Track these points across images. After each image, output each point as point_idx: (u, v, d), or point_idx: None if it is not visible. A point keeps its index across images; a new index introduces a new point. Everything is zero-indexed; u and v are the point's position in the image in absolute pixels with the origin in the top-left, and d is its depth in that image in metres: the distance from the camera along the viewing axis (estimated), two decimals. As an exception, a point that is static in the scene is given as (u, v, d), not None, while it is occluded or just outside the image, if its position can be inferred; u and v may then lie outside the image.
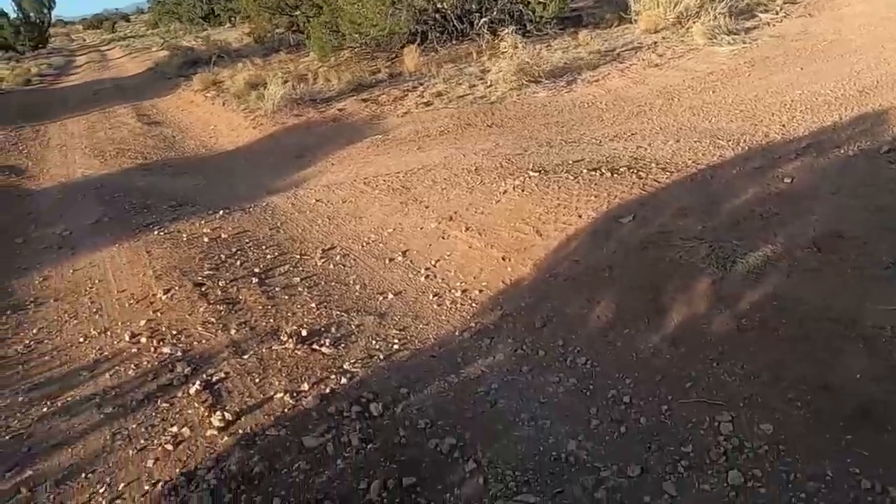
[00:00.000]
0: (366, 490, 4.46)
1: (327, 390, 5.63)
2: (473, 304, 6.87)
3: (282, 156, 13.99)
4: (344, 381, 5.75)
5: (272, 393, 5.69)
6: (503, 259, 7.51)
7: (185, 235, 9.79)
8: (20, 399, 6.12)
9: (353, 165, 12.14)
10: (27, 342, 7.20)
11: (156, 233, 10.00)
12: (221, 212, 10.66)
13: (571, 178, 8.67)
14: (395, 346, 6.26)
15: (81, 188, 13.24)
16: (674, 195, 7.71)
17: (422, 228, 8.78)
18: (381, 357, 6.10)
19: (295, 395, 5.63)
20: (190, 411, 5.58)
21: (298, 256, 8.69)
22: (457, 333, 6.36)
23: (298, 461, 4.80)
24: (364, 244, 8.75)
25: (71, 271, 9.05)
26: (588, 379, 5.43)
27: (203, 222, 10.28)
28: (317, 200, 10.73)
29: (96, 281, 8.62)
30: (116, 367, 6.45)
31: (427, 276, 7.58)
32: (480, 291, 7.07)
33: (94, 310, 7.81)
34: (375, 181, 10.85)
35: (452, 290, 7.19)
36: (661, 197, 7.77)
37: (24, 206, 12.30)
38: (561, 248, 7.29)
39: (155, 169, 14.40)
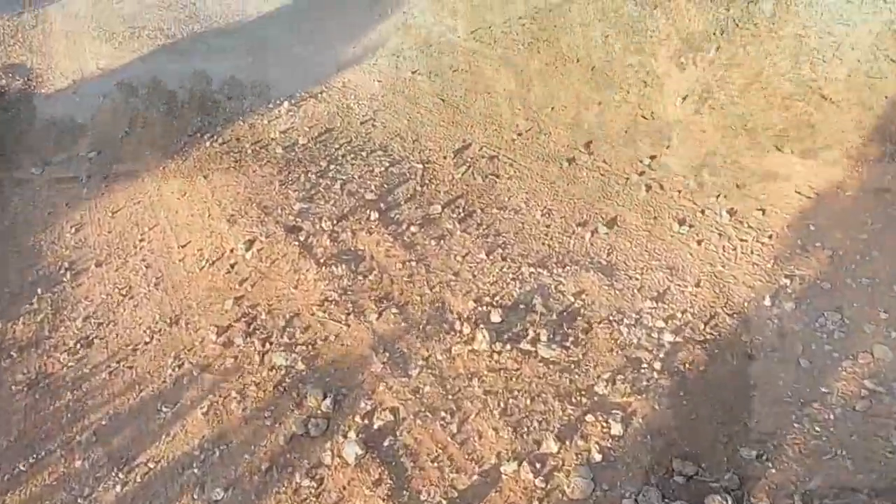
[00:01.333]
0: None
1: (601, 457, 3.10)
2: (770, 238, 4.10)
3: (335, 7, 10.73)
4: (625, 439, 3.20)
5: (493, 461, 3.22)
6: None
7: (248, 145, 7.09)
8: (84, 477, 3.87)
9: (443, 7, 8.89)
10: (72, 345, 4.89)
11: (208, 143, 7.31)
12: (286, 103, 7.81)
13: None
14: (669, 338, 3.62)
15: (100, 85, 10.40)
16: None
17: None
18: (658, 367, 3.47)
19: (539, 467, 3.14)
20: (358, 504, 3.23)
21: (420, 166, 5.93)
22: (775, 288, 3.67)
23: None
24: (513, 137, 5.89)
25: (110, 214, 6.56)
26: None
27: (267, 122, 7.50)
28: (413, 73, 7.73)
29: (146, 229, 6.13)
30: (211, 397, 4.09)
31: (648, 189, 4.76)
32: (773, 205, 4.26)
33: (153, 279, 5.39)
34: (494, 32, 7.69)
35: (725, 197, 4.40)
36: None
37: (37, 116, 9.65)
38: None
39: (182, 49, 11.36)
